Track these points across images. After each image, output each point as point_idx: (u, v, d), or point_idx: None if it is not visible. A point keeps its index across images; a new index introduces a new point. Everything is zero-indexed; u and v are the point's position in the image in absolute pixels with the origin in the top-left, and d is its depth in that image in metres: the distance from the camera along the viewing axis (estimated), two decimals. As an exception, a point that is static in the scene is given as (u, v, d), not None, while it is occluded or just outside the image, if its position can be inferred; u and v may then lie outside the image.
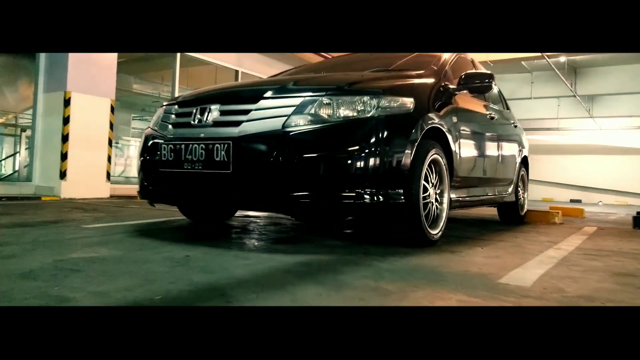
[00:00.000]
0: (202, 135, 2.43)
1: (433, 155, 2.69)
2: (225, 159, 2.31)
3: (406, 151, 2.44)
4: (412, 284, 1.70)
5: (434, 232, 2.69)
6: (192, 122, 2.51)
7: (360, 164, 2.27)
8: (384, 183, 2.34)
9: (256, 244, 2.57)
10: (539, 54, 9.47)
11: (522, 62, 12.09)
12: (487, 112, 3.80)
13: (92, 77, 6.18)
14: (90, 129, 6.16)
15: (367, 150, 2.29)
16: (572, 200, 17.46)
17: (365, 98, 2.38)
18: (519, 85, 13.70)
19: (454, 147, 2.98)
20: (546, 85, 13.45)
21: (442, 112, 2.88)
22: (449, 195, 2.91)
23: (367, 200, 2.29)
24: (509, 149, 4.37)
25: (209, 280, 1.64)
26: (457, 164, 3.04)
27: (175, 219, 3.66)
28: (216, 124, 2.43)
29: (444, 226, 2.83)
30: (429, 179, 2.70)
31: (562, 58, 11.48)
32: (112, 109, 6.42)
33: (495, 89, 4.39)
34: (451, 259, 2.27)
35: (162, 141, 2.58)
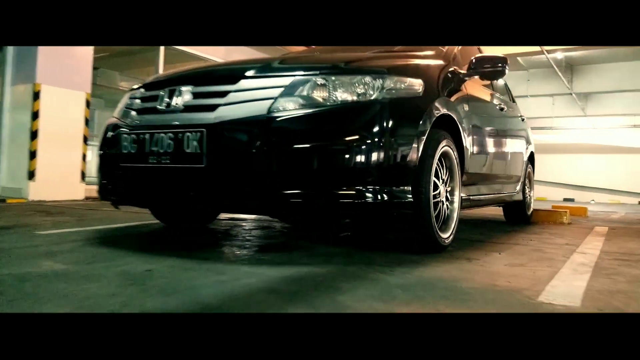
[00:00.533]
0: (171, 122, 2.02)
1: (444, 147, 2.31)
2: (198, 151, 1.91)
3: (415, 142, 2.06)
4: (433, 306, 1.32)
5: (444, 235, 2.32)
6: (159, 107, 2.10)
7: (360, 156, 1.88)
8: (388, 179, 1.96)
9: (237, 252, 2.17)
10: (537, 49, 9.18)
11: (518, 58, 11.79)
12: (497, 103, 3.44)
13: (65, 69, 5.71)
14: (63, 125, 5.70)
15: (369, 141, 1.90)
16: (565, 199, 17.26)
17: (367, 78, 1.99)
18: (515, 83, 13.38)
19: (465, 139, 2.60)
20: (542, 82, 13.18)
21: (453, 99, 2.51)
22: (460, 193, 2.54)
23: (369, 200, 1.90)
24: (517, 143, 4.02)
25: (166, 307, 1.24)
26: (468, 158, 2.67)
27: (149, 222, 3.24)
28: (188, 108, 2.02)
29: (455, 229, 2.45)
30: (439, 174, 2.32)
31: (559, 54, 11.21)
32: (88, 104, 5.96)
33: (501, 81, 4.05)
34: (470, 269, 1.89)
35: (123, 131, 2.17)
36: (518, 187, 4.11)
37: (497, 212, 5.35)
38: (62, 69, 5.68)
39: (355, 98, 1.95)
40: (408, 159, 2.03)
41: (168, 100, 2.08)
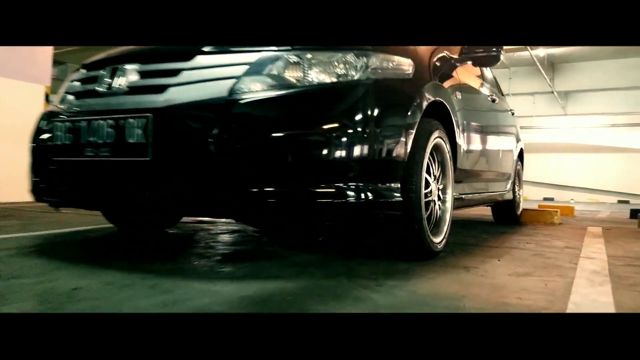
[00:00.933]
0: (112, 106, 1.68)
1: (436, 139, 2.02)
2: (143, 141, 1.56)
3: (404, 131, 1.76)
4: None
5: (436, 240, 2.02)
6: (99, 90, 1.75)
7: (340, 148, 1.57)
8: (373, 175, 1.65)
9: (195, 263, 1.83)
10: (522, 46, 9.03)
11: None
12: (489, 94, 3.17)
13: (20, 60, 5.25)
14: (19, 120, 5.23)
15: (350, 130, 1.59)
16: (545, 199, 17.30)
17: (349, 56, 1.68)
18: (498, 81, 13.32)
19: (458, 131, 2.32)
20: (524, 81, 13.09)
21: (445, 85, 2.22)
22: (452, 191, 2.25)
23: (351, 199, 1.59)
24: (509, 139, 3.77)
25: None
26: (461, 152, 2.39)
27: (103, 227, 2.87)
28: (133, 90, 1.68)
29: (448, 232, 2.16)
30: (431, 170, 2.03)
31: (542, 52, 11.12)
32: (47, 98, 5.51)
33: (489, 73, 3.79)
34: (471, 282, 1.60)
35: (58, 119, 1.81)
36: (509, 186, 3.86)
37: (483, 211, 5.12)
38: (17, 60, 5.22)
39: (334, 79, 1.64)
40: (396, 151, 1.72)
41: (109, 80, 1.73)
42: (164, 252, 2.09)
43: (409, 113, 1.79)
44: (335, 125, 1.58)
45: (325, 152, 1.55)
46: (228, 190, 1.52)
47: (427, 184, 1.97)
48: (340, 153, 1.57)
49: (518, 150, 4.21)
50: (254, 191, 1.52)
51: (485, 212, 4.85)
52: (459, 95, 2.38)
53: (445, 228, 2.12)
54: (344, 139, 1.58)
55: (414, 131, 1.80)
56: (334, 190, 1.58)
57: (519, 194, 4.38)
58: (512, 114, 4.08)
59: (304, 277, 1.58)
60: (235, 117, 1.52)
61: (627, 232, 3.85)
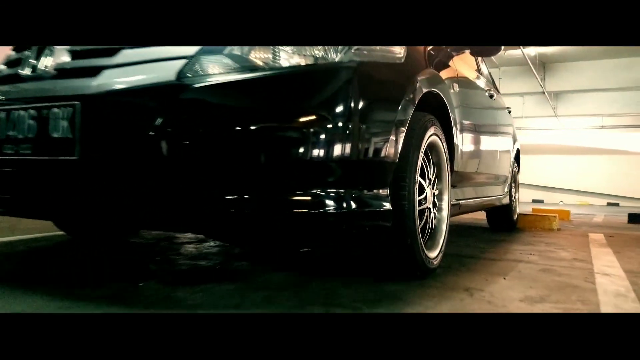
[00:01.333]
0: (36, 93, 1.36)
1: (431, 137, 1.73)
2: (69, 135, 1.25)
3: (395, 126, 1.47)
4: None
5: (432, 254, 1.73)
6: (22, 73, 1.43)
7: (318, 146, 1.27)
8: (358, 179, 1.36)
9: (141, 285, 1.51)
10: (515, 46, 8.81)
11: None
12: (487, 88, 2.90)
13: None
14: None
15: (330, 125, 1.29)
16: (534, 201, 17.19)
17: (327, 34, 1.38)
18: (486, 82, 13.12)
19: (455, 128, 2.03)
20: (514, 81, 12.90)
21: (441, 75, 1.93)
22: (449, 197, 1.96)
23: (331, 209, 1.29)
24: (506, 139, 3.50)
25: None
26: (458, 153, 2.11)
27: (56, 234, 2.54)
28: (62, 73, 1.36)
29: (444, 245, 1.87)
30: (425, 172, 1.74)
31: (532, 51, 10.93)
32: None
33: (485, 67, 3.53)
34: (477, 311, 1.31)
35: (-26, 108, 1.49)
36: (506, 189, 3.59)
37: (475, 216, 4.86)
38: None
39: (310, 61, 1.34)
40: (385, 150, 1.43)
41: (34, 62, 1.41)
42: (110, 269, 1.77)
43: (401, 104, 1.50)
44: (311, 118, 1.28)
45: (298, 151, 1.25)
46: (174, 197, 1.22)
47: (421, 190, 1.68)
48: (316, 153, 1.27)
49: (515, 151, 3.95)
50: (209, 199, 1.21)
51: (478, 216, 4.60)
52: (456, 87, 2.09)
53: (441, 240, 1.83)
54: (322, 136, 1.28)
55: (406, 126, 1.51)
56: (309, 198, 1.28)
57: (515, 198, 4.13)
58: (510, 112, 3.81)
59: (270, 307, 1.28)
60: (183, 106, 1.21)
61: (631, 240, 3.61)
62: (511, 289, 1.59)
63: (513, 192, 4.03)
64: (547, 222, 4.20)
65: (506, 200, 3.64)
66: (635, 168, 17.19)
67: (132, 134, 1.21)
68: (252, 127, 1.23)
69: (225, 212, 1.24)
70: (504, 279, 1.77)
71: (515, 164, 4.09)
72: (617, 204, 15.95)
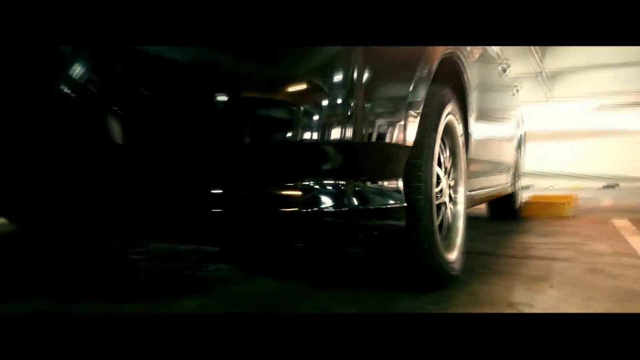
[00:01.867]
0: None
1: (448, 116, 1.43)
2: None
3: (408, 102, 1.16)
4: None
5: (451, 256, 1.44)
6: None
7: (311, 125, 0.96)
8: (362, 168, 1.06)
9: (82, 299, 1.20)
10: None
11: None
12: (500, 61, 2.59)
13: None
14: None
15: (326, 100, 0.97)
16: (524, 187, 17.06)
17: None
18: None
19: (472, 106, 1.73)
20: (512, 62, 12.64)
21: (458, 41, 1.61)
22: (465, 189, 1.67)
23: (327, 207, 0.99)
24: (512, 123, 3.22)
25: None
26: (472, 137, 1.81)
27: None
28: None
29: (463, 245, 1.58)
30: (441, 160, 1.44)
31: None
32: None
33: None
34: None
35: None
36: (510, 178, 3.32)
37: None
38: None
39: (302, 15, 1.01)
40: (397, 132, 1.12)
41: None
42: (57, 274, 1.46)
43: (416, 75, 1.19)
44: (303, 87, 0.97)
45: (284, 130, 0.94)
46: (131, 193, 0.90)
47: (437, 181, 1.39)
48: (308, 133, 0.96)
49: (518, 136, 3.67)
50: (164, 193, 0.90)
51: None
52: (476, 54, 1.78)
53: (458, 240, 1.54)
54: (316, 111, 0.97)
55: (422, 102, 1.21)
56: (299, 192, 0.97)
57: (517, 186, 3.86)
58: (518, 90, 3.51)
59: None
60: (127, 59, 0.89)
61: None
62: (567, 302, 1.29)
63: (515, 179, 3.77)
64: (556, 209, 3.93)
65: (511, 189, 3.37)
66: (636, 146, 16.95)
67: (46, 91, 0.89)
68: (227, 97, 0.92)
69: (190, 211, 0.94)
70: (551, 287, 1.47)
71: (519, 150, 3.82)
72: (614, 187, 15.61)
